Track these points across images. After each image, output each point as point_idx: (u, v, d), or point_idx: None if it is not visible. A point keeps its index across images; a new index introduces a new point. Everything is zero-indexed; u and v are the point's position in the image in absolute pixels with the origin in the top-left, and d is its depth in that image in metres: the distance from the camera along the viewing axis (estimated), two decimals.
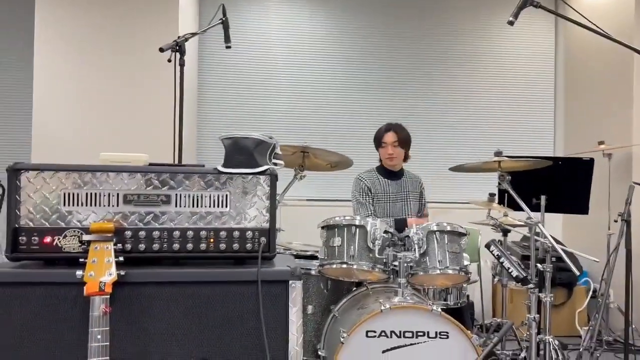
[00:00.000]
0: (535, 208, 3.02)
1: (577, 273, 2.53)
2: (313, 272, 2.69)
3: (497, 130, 5.15)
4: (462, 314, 3.04)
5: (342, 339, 2.19)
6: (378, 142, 3.29)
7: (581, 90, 4.94)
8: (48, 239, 1.61)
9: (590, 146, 4.06)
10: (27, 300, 1.56)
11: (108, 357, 1.45)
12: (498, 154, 2.70)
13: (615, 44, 2.05)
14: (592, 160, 3.34)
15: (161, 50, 2.56)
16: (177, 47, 2.60)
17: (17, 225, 1.60)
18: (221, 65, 4.94)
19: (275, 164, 1.81)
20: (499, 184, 2.77)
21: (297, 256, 2.85)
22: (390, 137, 3.23)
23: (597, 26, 1.99)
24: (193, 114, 4.71)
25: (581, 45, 4.94)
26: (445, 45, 5.15)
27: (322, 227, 2.58)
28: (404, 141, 3.26)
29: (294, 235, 3.36)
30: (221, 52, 4.82)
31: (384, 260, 2.46)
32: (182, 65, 2.64)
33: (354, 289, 2.70)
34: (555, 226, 4.87)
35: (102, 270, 1.49)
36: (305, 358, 2.53)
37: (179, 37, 2.64)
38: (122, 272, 1.54)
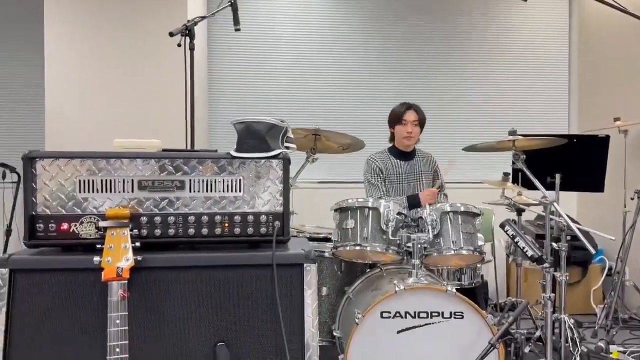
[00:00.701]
0: (549, 187, 3.00)
1: (593, 251, 2.51)
2: (327, 255, 2.71)
3: (511, 109, 5.09)
4: (475, 293, 3.05)
5: (357, 320, 2.20)
6: (397, 119, 3.22)
7: (596, 66, 4.85)
8: (65, 226, 1.63)
9: (606, 123, 4.00)
10: (46, 287, 1.59)
11: (127, 341, 1.48)
12: (512, 133, 2.67)
13: (631, 18, 2.00)
14: (607, 137, 3.29)
15: (171, 34, 2.55)
16: (187, 31, 2.59)
17: (34, 213, 1.62)
18: (231, 48, 4.91)
19: (288, 148, 1.80)
20: (513, 163, 2.74)
21: (310, 239, 2.87)
22: (411, 115, 3.19)
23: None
24: (203, 98, 4.70)
25: (596, 20, 4.84)
26: (458, 24, 5.07)
27: (335, 210, 2.59)
28: (422, 122, 3.25)
29: (306, 218, 3.37)
30: (230, 35, 4.79)
31: (398, 241, 2.46)
32: (192, 49, 2.63)
33: (368, 270, 2.71)
34: (570, 204, 4.83)
35: (119, 256, 1.51)
36: (320, 339, 2.56)
37: (188, 21, 2.63)
38: (139, 258, 1.56)
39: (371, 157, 3.28)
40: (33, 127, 4.66)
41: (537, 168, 2.72)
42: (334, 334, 2.58)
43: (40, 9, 4.19)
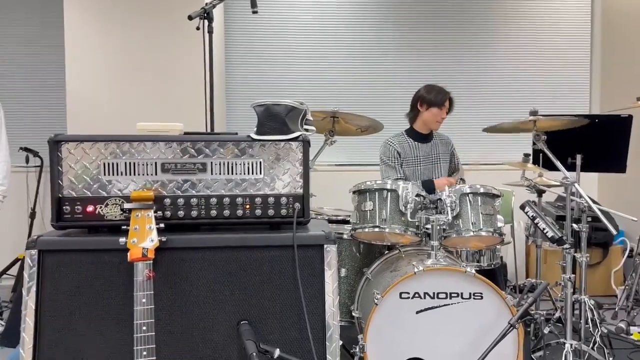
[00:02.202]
0: (570, 167, 2.97)
1: (614, 232, 2.49)
2: (345, 236, 2.72)
3: (532, 89, 5.01)
4: (495, 275, 3.04)
5: (376, 301, 2.22)
6: (437, 103, 3.16)
7: (619, 45, 4.74)
8: (90, 208, 1.67)
9: (629, 102, 3.92)
10: (74, 267, 1.63)
11: (153, 320, 1.52)
12: (534, 113, 2.64)
13: None
14: (630, 117, 3.24)
15: (190, 17, 2.56)
16: (205, 14, 2.59)
17: (60, 195, 1.66)
18: (248, 31, 4.90)
19: (307, 130, 1.81)
20: (534, 144, 2.71)
21: (329, 221, 2.89)
22: (448, 103, 3.20)
23: None
24: (221, 81, 4.72)
25: None
26: (477, 4, 4.99)
27: (354, 192, 2.60)
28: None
29: (325, 201, 3.38)
30: (247, 18, 4.79)
31: (416, 223, 2.46)
32: (210, 32, 2.64)
33: (386, 252, 2.72)
34: (590, 185, 4.78)
35: (144, 237, 1.54)
36: (339, 319, 2.59)
37: (206, 4, 2.63)
38: (163, 239, 1.59)
39: (388, 140, 3.26)
40: (55, 112, 4.74)
41: (558, 149, 2.69)
42: (353, 314, 2.61)
43: None
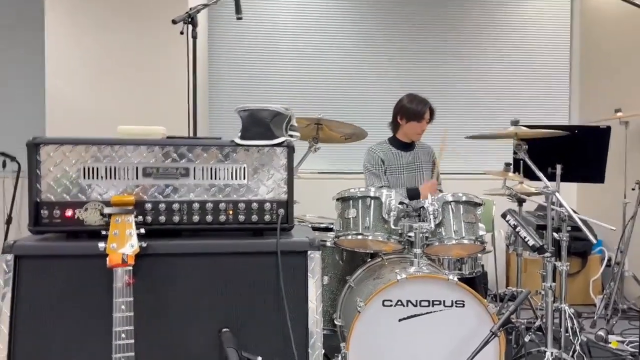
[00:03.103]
0: (551, 177, 3.00)
1: (594, 241, 2.52)
2: (329, 244, 2.72)
3: (512, 99, 5.08)
4: (476, 283, 3.06)
5: (358, 308, 2.21)
6: (417, 116, 3.18)
7: (597, 57, 4.84)
8: (69, 213, 1.63)
9: (607, 114, 4.00)
10: (51, 273, 1.59)
11: (132, 327, 1.48)
12: (515, 123, 2.67)
13: (633, 8, 2.00)
14: (608, 129, 3.30)
15: (174, 22, 2.53)
16: (190, 19, 2.57)
17: (38, 200, 1.63)
18: (232, 37, 4.89)
19: (292, 136, 1.80)
20: (515, 153, 2.74)
21: (312, 228, 2.87)
22: (428, 114, 3.21)
23: None
24: (205, 86, 4.69)
25: (597, 11, 4.82)
26: (460, 14, 5.05)
27: (337, 199, 2.59)
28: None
29: (308, 208, 3.36)
30: (231, 24, 4.77)
31: (399, 231, 2.46)
32: (194, 37, 2.62)
33: (369, 260, 2.72)
34: (570, 195, 4.84)
35: (123, 242, 1.52)
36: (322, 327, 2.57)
37: (190, 9, 2.61)
38: (144, 244, 1.56)
39: (372, 148, 3.28)
40: (33, 116, 4.63)
41: (539, 158, 2.72)
42: (336, 322, 2.59)
43: None
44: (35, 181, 1.62)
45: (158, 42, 4.11)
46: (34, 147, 1.62)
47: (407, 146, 3.29)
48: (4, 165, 4.50)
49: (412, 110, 3.20)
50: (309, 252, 1.70)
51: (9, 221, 4.43)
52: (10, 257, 1.57)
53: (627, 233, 3.66)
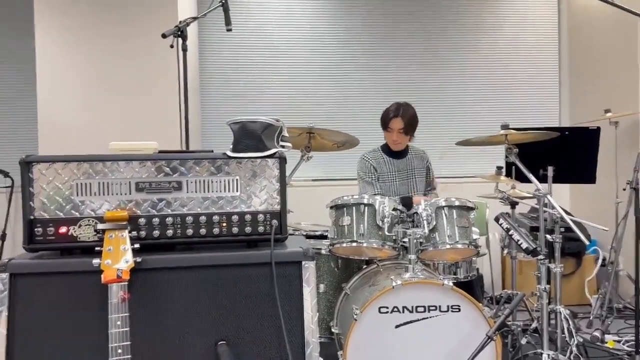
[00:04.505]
0: (542, 179, 3.03)
1: (587, 242, 2.54)
2: (323, 252, 2.72)
3: (502, 102, 5.12)
4: (472, 287, 3.07)
5: (355, 316, 2.22)
6: (384, 125, 3.24)
7: (586, 59, 4.89)
8: (63, 229, 1.63)
9: (597, 115, 4.04)
10: (46, 290, 1.59)
11: (129, 342, 1.48)
12: (505, 127, 2.70)
13: (619, 10, 2.03)
14: (598, 129, 3.33)
15: (164, 36, 2.55)
16: (179, 33, 2.59)
17: (32, 217, 1.62)
18: (222, 49, 4.91)
19: (283, 147, 1.81)
20: (506, 156, 2.77)
21: (307, 236, 2.88)
22: (396, 123, 3.16)
23: None
24: (195, 99, 4.70)
25: (585, 13, 4.88)
26: (449, 19, 5.10)
27: (331, 207, 2.61)
28: (410, 127, 3.19)
29: (302, 216, 3.38)
30: (221, 35, 4.79)
31: (394, 237, 2.48)
32: (184, 50, 2.64)
33: (365, 266, 2.73)
34: (562, 197, 4.88)
35: (118, 258, 1.52)
36: (318, 335, 2.57)
37: (180, 22, 2.63)
38: (138, 259, 1.56)
39: (364, 156, 3.30)
40: (26, 132, 4.65)
41: (530, 161, 2.75)
42: (332, 330, 2.60)
43: (30, 13, 4.18)
44: (28, 199, 1.62)
45: (149, 56, 4.11)
46: (26, 166, 1.62)
47: (399, 153, 3.31)
48: None
49: (381, 118, 3.25)
50: (303, 262, 1.70)
51: (3, 237, 4.41)
52: (5, 275, 1.56)
53: (619, 233, 3.69)
